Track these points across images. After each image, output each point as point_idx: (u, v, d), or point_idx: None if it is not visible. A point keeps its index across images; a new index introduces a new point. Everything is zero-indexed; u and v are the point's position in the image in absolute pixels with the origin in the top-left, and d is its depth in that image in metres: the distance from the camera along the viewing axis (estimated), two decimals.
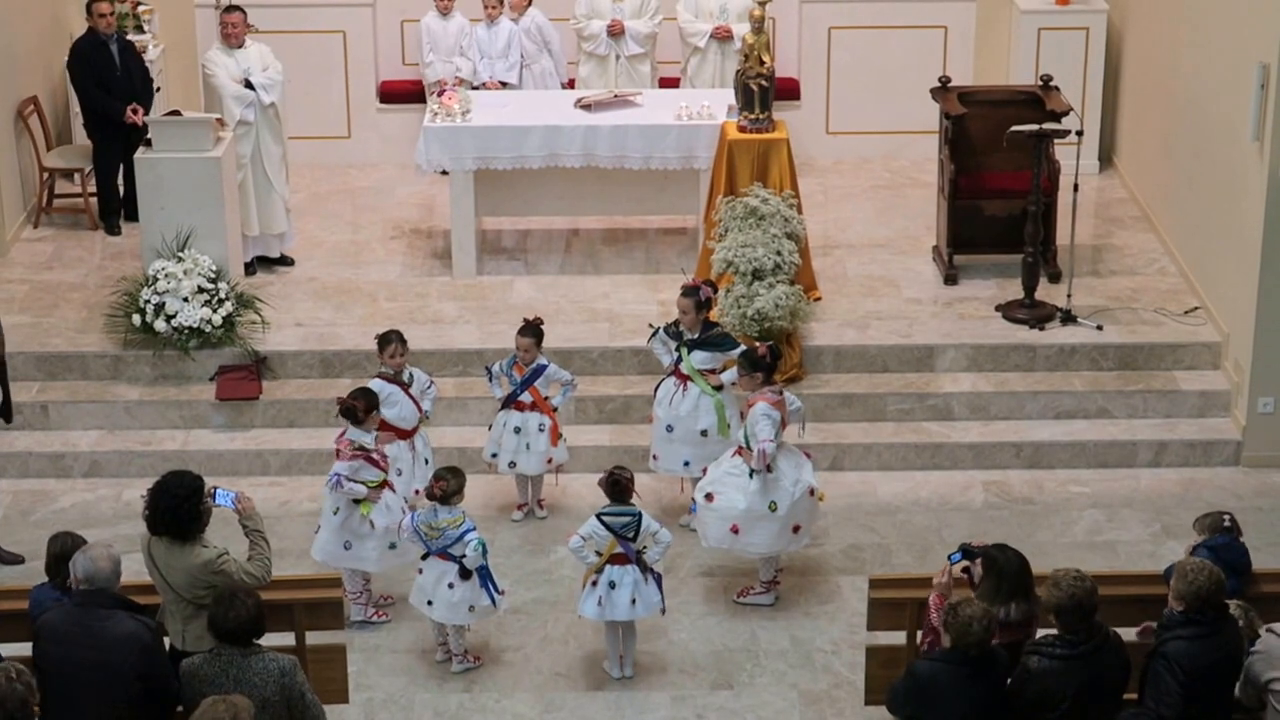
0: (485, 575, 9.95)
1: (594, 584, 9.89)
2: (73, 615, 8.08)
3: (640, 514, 9.87)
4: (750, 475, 10.35)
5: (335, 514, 10.36)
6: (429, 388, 11.25)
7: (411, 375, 11.12)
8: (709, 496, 10.49)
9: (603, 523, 9.83)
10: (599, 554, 9.85)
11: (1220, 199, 12.56)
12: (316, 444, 12.02)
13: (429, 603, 9.98)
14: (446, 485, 9.86)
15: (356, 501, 10.30)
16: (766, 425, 10.26)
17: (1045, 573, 8.64)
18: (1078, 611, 8.03)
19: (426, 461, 11.11)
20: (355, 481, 10.26)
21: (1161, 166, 14.10)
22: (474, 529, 9.90)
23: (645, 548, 9.90)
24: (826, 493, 10.94)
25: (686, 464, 11.26)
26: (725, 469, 10.52)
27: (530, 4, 15.05)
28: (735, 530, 10.39)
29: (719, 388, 11.19)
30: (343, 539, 10.36)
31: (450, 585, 9.90)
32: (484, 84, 14.93)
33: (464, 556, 9.83)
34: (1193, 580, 8.14)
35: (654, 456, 11.39)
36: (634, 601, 9.89)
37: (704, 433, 11.19)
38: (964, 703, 7.98)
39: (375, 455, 10.35)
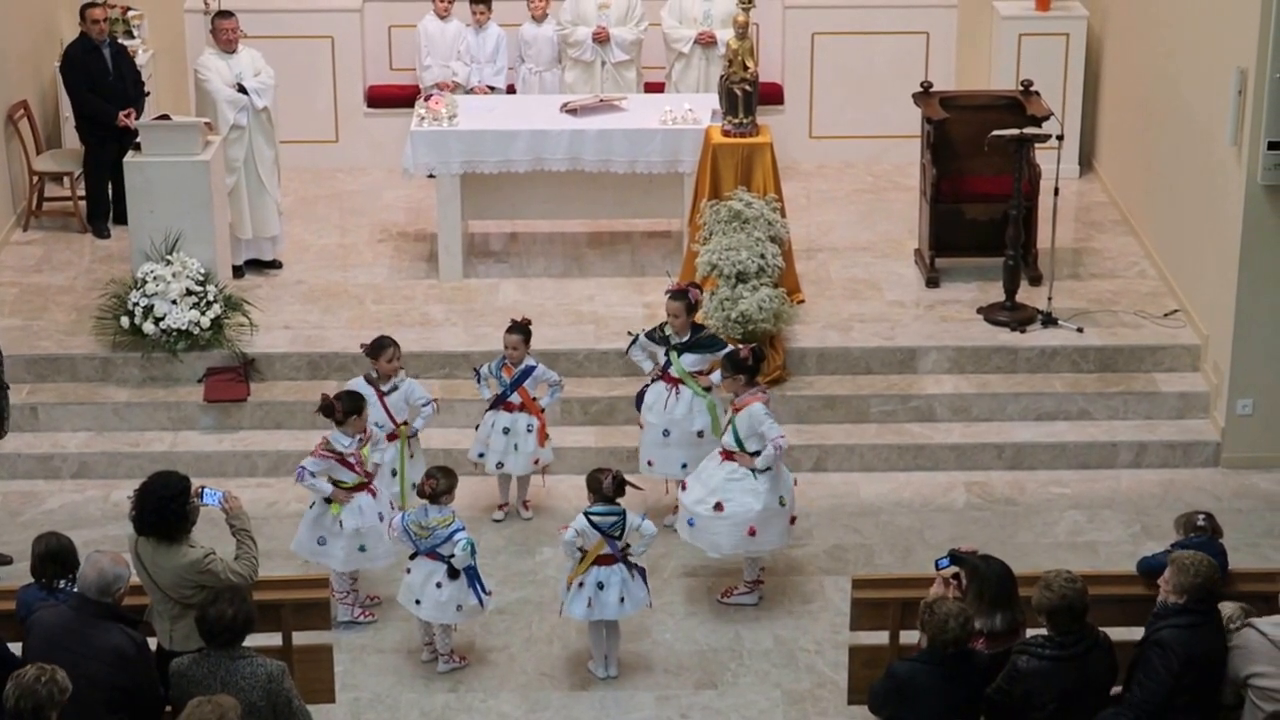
0: (473, 575, 10.01)
1: (580, 585, 9.96)
2: (64, 617, 8.14)
3: (625, 512, 9.95)
4: (755, 476, 10.41)
5: (311, 508, 10.44)
6: (425, 406, 11.10)
7: (396, 385, 11.06)
8: (718, 506, 10.42)
9: (591, 522, 9.91)
10: (583, 551, 9.93)
11: (1199, 202, 12.66)
12: (304, 445, 12.00)
13: (417, 602, 10.04)
14: (436, 484, 9.91)
15: (327, 501, 10.38)
16: (773, 422, 10.36)
17: (1028, 573, 8.72)
18: (1069, 613, 8.10)
19: (393, 473, 11.05)
20: (326, 480, 10.33)
21: (1141, 170, 14.19)
22: (463, 529, 9.96)
23: (629, 544, 9.98)
24: (810, 494, 11.03)
25: (684, 466, 11.20)
26: (725, 476, 10.46)
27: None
28: (753, 533, 10.41)
29: (709, 388, 11.26)
30: (316, 534, 10.42)
31: (438, 585, 9.95)
32: (473, 89, 15.02)
33: (452, 556, 9.91)
34: (1196, 572, 8.22)
35: (648, 462, 11.39)
36: (622, 600, 9.96)
37: (700, 434, 11.24)
38: (943, 702, 8.05)
39: (350, 458, 10.41)
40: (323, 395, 10.55)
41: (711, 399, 11.21)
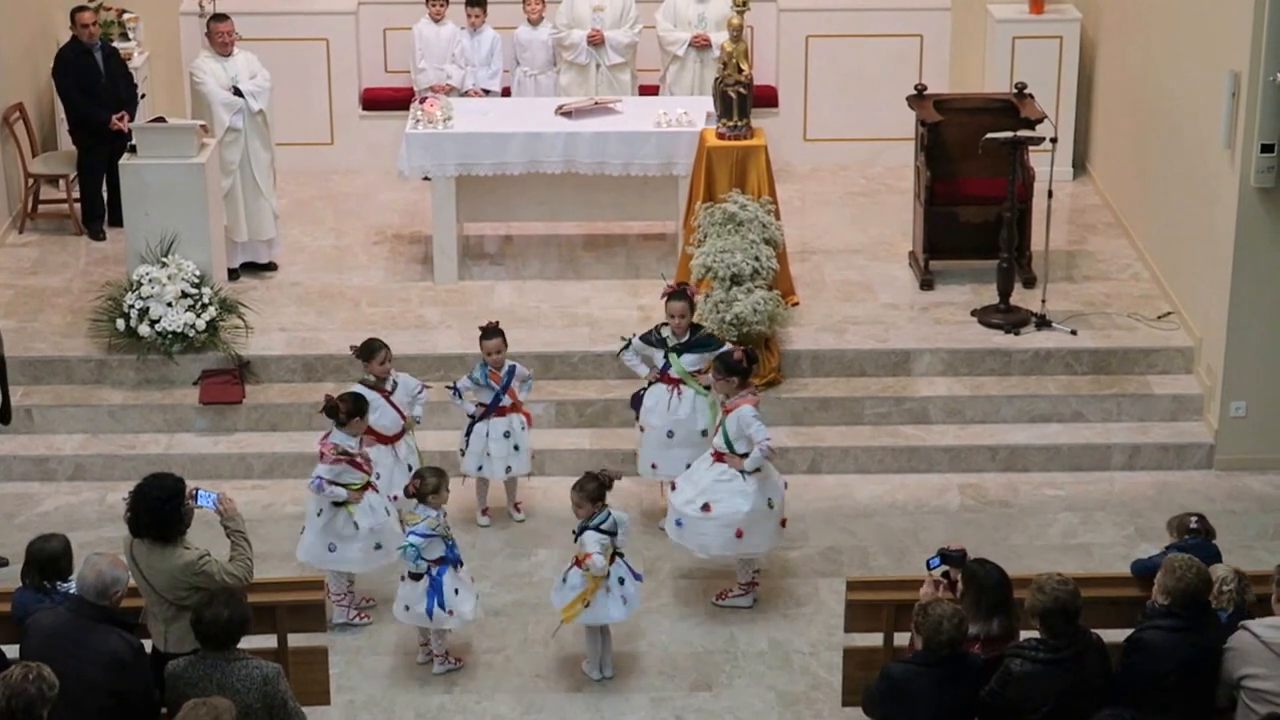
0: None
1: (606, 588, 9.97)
2: (61, 619, 8.14)
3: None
4: (744, 477, 10.43)
5: (318, 515, 10.43)
6: (419, 393, 11.21)
7: (395, 382, 11.10)
8: (706, 507, 10.45)
9: (602, 531, 9.91)
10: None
11: (1192, 205, 12.69)
12: (299, 447, 12.10)
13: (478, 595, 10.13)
14: (423, 483, 9.89)
15: (339, 504, 10.38)
16: (761, 425, 10.37)
17: (1021, 575, 8.75)
18: (1062, 615, 8.10)
19: (410, 468, 11.05)
20: (337, 484, 10.34)
21: (1134, 173, 14.22)
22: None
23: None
24: (805, 496, 11.05)
25: (689, 465, 11.25)
26: (714, 477, 10.48)
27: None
28: (740, 534, 10.42)
29: (708, 387, 11.25)
30: (327, 541, 10.42)
31: (472, 579, 10.08)
32: (468, 92, 15.04)
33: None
34: (1181, 576, 8.24)
35: (651, 465, 11.39)
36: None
37: (704, 433, 11.20)
38: (937, 704, 8.06)
39: (359, 458, 10.43)
40: (326, 396, 10.56)
41: (713, 397, 11.20)
